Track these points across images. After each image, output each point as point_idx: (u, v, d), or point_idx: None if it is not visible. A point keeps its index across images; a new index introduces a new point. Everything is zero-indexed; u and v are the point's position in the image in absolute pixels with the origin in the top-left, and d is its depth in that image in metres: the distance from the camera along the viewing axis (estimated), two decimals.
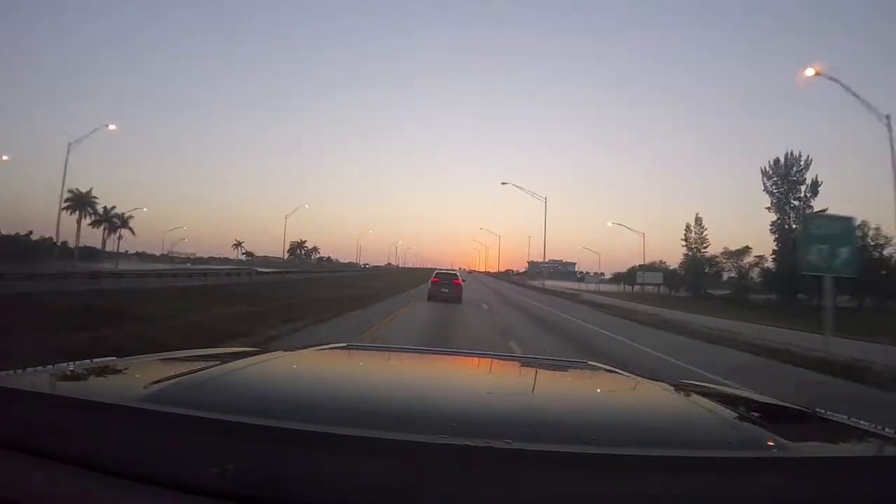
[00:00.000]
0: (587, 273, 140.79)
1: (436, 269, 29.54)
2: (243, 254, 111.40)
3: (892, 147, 13.10)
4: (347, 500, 0.60)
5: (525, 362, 2.17)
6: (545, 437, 0.74)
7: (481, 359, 2.05)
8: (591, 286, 76.16)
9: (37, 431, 0.70)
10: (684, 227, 56.20)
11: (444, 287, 20.05)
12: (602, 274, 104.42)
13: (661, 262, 67.25)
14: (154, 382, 0.90)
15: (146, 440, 0.67)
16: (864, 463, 0.78)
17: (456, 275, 21.89)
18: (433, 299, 19.47)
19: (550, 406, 1.13)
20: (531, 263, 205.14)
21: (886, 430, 0.97)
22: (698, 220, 55.74)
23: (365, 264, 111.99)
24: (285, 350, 1.63)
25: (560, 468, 0.63)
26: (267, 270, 45.74)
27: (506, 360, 2.27)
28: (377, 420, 0.79)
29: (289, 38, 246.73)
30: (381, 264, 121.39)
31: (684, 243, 55.61)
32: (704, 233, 54.98)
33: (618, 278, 79.03)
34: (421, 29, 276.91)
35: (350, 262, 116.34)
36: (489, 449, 0.63)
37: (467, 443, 0.64)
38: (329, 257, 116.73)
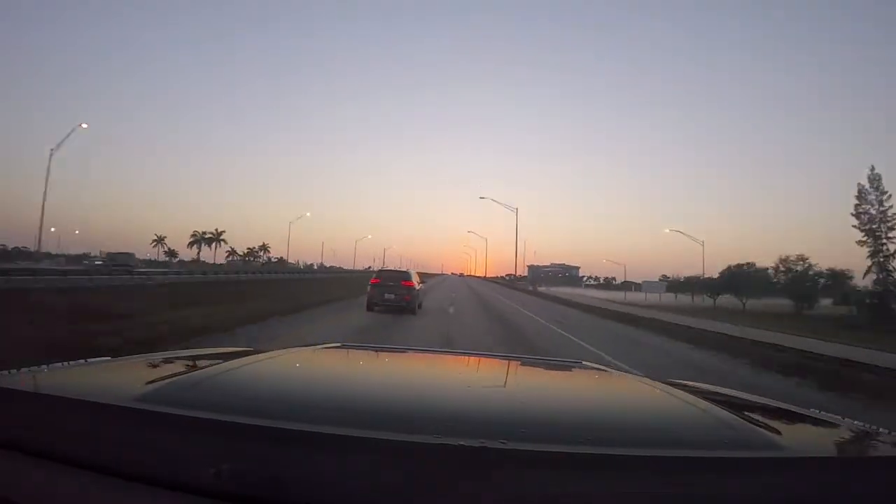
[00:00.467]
0: (604, 279, 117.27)
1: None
2: (165, 252, 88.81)
3: None
4: (343, 500, 0.60)
5: (521, 362, 2.01)
6: (541, 437, 0.73)
7: (477, 358, 2.05)
8: (633, 296, 51.95)
9: (33, 431, 0.71)
10: (855, 195, 31.53)
11: (388, 291, 14.41)
12: (628, 279, 79.70)
13: (747, 264, 43.65)
14: (150, 382, 0.90)
15: (142, 440, 0.67)
16: (862, 463, 0.78)
17: (407, 274, 15.72)
18: (375, 308, 14.22)
19: (546, 406, 1.13)
20: (531, 268, 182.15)
21: (882, 429, 0.98)
22: (874, 181, 30.89)
23: (313, 266, 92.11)
24: (281, 350, 1.60)
25: (556, 468, 0.63)
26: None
27: (501, 359, 2.12)
28: (373, 420, 0.79)
29: (275, 40, 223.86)
30: (361, 268, 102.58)
31: (855, 223, 31.20)
32: (888, 202, 30.36)
33: (688, 285, 50.27)
34: (410, 32, 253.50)
35: (332, 266, 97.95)
36: (484, 449, 0.63)
37: (462, 443, 0.63)
38: (281, 258, 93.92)
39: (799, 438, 0.97)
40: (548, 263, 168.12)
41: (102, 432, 0.69)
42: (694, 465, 0.66)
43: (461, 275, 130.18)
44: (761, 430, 0.88)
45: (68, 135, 31.70)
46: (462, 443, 0.63)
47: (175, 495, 0.61)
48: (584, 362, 1.81)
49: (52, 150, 31.27)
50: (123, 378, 1.10)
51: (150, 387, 0.87)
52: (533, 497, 0.59)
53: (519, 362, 1.96)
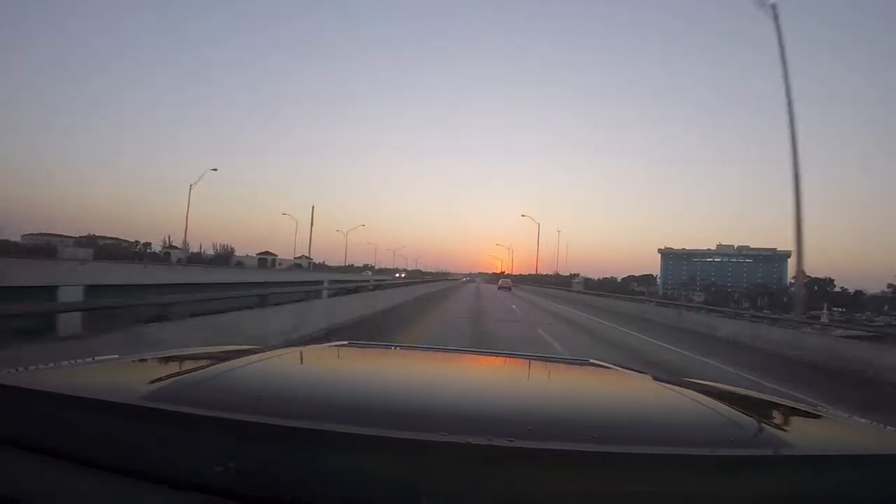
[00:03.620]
0: None
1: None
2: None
3: None
4: (349, 498, 0.60)
5: (527, 360, 1.93)
6: (546, 434, 0.73)
7: (483, 356, 2.06)
8: None
9: (38, 429, 0.70)
10: None
11: None
12: None
13: None
14: (155, 380, 0.89)
15: (149, 438, 0.67)
16: (865, 461, 0.76)
17: None
18: None
19: (552, 404, 1.11)
20: (667, 253, 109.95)
21: (887, 428, 0.97)
22: None
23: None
24: (287, 348, 1.58)
25: (561, 466, 0.63)
26: None
27: (507, 357, 2.06)
28: (379, 418, 0.78)
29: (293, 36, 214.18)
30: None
31: None
32: None
33: None
34: (438, 32, 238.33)
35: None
36: (490, 447, 0.63)
37: (469, 440, 0.63)
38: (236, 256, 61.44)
39: (806, 436, 0.95)
40: (711, 247, 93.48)
41: (108, 430, 0.68)
42: (701, 463, 0.65)
43: (502, 279, 58.90)
44: (769, 428, 0.87)
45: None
46: (469, 440, 0.62)
47: (182, 493, 0.60)
48: (591, 360, 1.74)
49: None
50: (129, 376, 1.09)
51: (156, 385, 0.85)
52: (539, 494, 0.59)
53: (526, 360, 1.88)
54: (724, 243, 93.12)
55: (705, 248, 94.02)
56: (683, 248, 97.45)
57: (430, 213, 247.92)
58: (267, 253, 76.67)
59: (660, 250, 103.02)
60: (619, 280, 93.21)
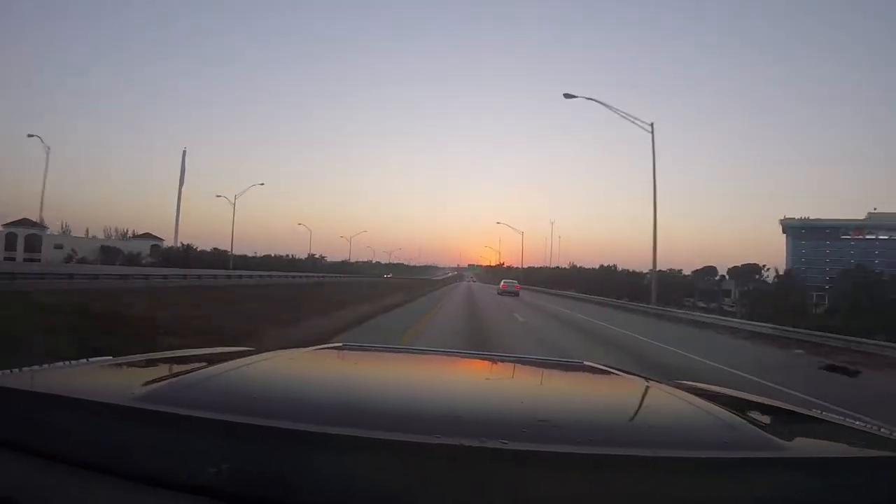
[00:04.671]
0: None
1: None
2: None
3: None
4: (342, 500, 0.60)
5: (521, 362, 1.99)
6: (540, 436, 0.72)
7: (477, 359, 2.07)
8: None
9: (33, 431, 0.71)
10: None
11: None
12: None
13: None
14: (150, 382, 0.90)
15: (143, 440, 0.67)
16: (861, 463, 0.77)
17: None
18: None
19: (546, 406, 1.12)
20: (797, 226, 77.17)
21: (882, 429, 0.99)
22: None
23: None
24: (281, 350, 1.64)
25: (555, 468, 0.63)
26: None
27: (502, 360, 2.08)
28: (373, 420, 0.77)
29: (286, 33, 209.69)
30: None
31: None
32: None
33: None
34: (426, 22, 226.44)
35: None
36: (484, 449, 0.63)
37: (463, 442, 0.63)
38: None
39: (800, 439, 0.95)
40: (858, 217, 61.11)
41: (103, 432, 0.68)
42: (695, 466, 0.66)
43: (505, 280, 38.17)
44: (762, 430, 0.87)
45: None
46: (462, 442, 0.63)
47: (176, 495, 0.60)
48: (585, 363, 1.77)
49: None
50: (124, 377, 1.11)
51: (151, 386, 0.86)
52: (533, 496, 0.59)
53: (520, 363, 1.92)
54: (880, 210, 61.56)
55: (858, 219, 62.66)
56: (819, 219, 66.73)
57: (420, 206, 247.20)
58: (27, 222, 54.70)
59: (782, 221, 69.71)
60: (685, 274, 62.51)
